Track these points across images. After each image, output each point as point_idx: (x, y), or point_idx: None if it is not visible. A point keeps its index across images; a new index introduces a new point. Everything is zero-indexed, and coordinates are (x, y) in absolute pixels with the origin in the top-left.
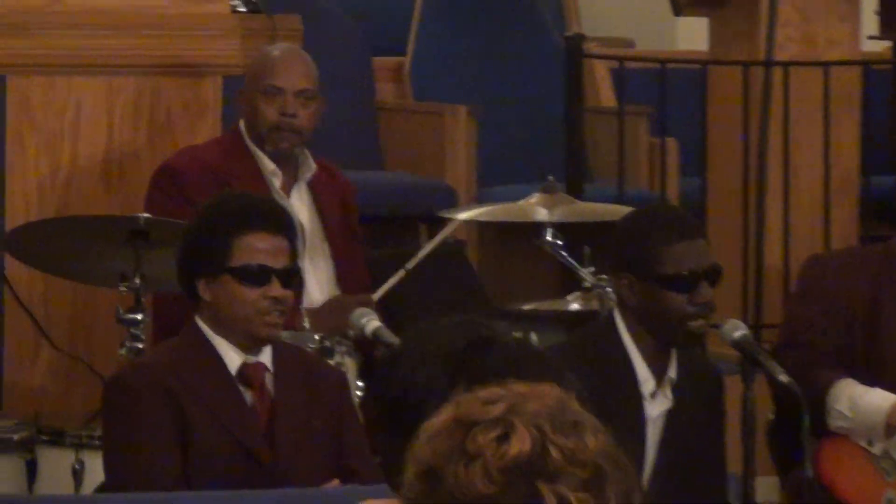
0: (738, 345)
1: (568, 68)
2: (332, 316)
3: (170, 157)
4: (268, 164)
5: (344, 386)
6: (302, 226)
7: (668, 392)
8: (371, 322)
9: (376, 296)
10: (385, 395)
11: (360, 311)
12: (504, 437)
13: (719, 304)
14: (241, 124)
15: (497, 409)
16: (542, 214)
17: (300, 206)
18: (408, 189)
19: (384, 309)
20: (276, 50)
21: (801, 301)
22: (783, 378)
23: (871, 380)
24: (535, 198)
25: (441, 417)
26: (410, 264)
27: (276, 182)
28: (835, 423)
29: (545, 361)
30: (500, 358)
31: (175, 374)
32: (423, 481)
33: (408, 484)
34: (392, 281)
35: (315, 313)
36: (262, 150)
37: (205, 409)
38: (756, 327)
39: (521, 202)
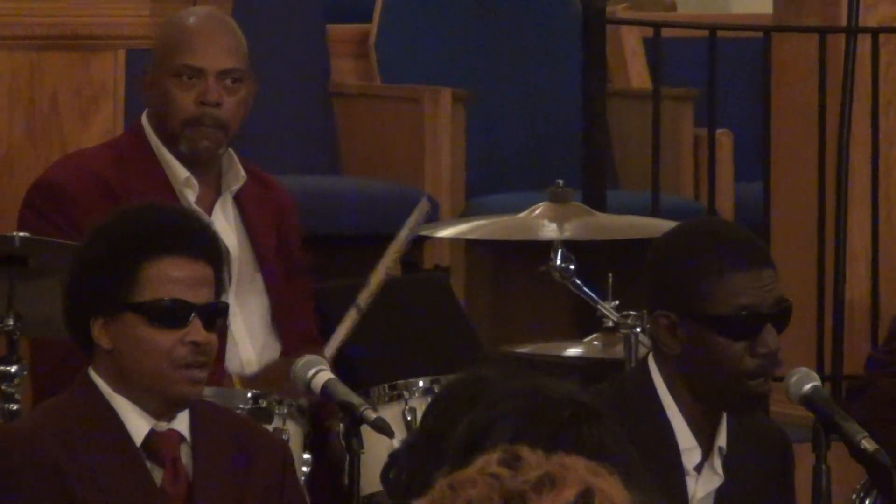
0: (808, 401)
1: (586, 39)
2: (275, 386)
3: (49, 169)
4: (180, 172)
5: (285, 459)
6: (227, 252)
7: (718, 465)
8: (321, 374)
9: (329, 350)
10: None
11: (306, 359)
12: None
13: (786, 349)
14: (144, 118)
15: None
16: (549, 230)
17: (225, 226)
18: (373, 200)
19: (338, 354)
20: (193, 17)
21: None
22: (867, 445)
23: None
24: (540, 209)
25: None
26: (363, 300)
27: (191, 195)
28: None
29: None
30: (599, 435)
31: (62, 446)
32: None
33: None
34: (344, 327)
35: (250, 382)
36: (174, 152)
37: (100, 492)
38: (833, 379)
39: (523, 215)
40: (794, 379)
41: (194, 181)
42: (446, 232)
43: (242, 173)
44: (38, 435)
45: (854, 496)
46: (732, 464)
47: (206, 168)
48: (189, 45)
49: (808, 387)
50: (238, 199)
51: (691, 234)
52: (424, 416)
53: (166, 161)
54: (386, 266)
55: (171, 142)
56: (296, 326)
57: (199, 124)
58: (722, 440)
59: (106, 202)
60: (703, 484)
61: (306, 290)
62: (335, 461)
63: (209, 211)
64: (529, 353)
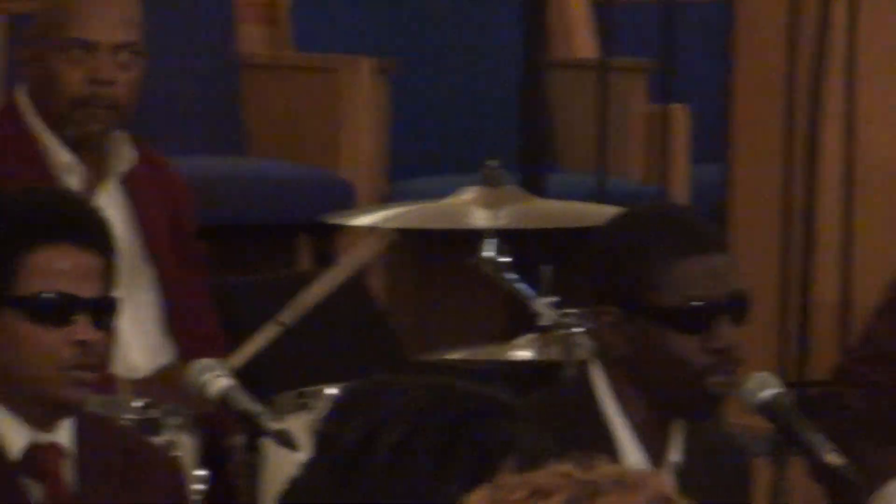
0: (767, 410)
1: (526, 2)
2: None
3: None
4: (61, 156)
5: (176, 475)
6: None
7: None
8: (218, 380)
9: (238, 359)
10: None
11: (203, 363)
12: None
13: (745, 351)
14: (21, 95)
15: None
16: (480, 218)
17: (112, 213)
18: (282, 184)
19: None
20: None
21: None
22: (833, 459)
23: None
24: (470, 194)
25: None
26: (287, 315)
27: (73, 181)
28: None
29: (544, 439)
30: (506, 430)
31: None
32: None
33: None
34: (258, 342)
35: (140, 388)
36: (57, 134)
37: None
38: (798, 385)
39: (450, 200)
40: (751, 385)
41: (77, 165)
42: (364, 220)
43: (131, 154)
44: None
45: None
46: (687, 480)
47: (90, 151)
48: (79, 14)
49: (767, 394)
50: (126, 183)
51: (638, 219)
52: (319, 425)
53: (46, 144)
54: (321, 292)
55: (55, 123)
56: (194, 326)
57: (90, 105)
58: (675, 454)
59: None
60: None
61: (204, 286)
62: (235, 478)
63: (92, 195)
64: (457, 360)
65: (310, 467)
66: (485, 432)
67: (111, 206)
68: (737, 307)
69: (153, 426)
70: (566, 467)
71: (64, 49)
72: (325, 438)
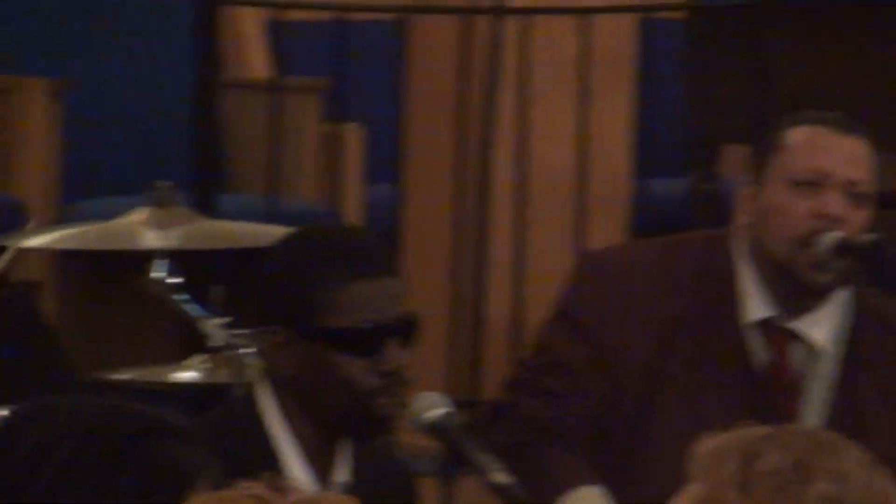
0: (434, 430)
1: (198, 21)
2: None
3: None
4: None
5: None
6: None
7: None
8: None
9: None
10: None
11: None
12: None
13: (417, 373)
14: None
15: None
16: (150, 239)
17: None
18: None
19: None
20: None
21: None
22: (501, 478)
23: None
24: (141, 215)
25: None
26: None
27: None
28: None
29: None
30: (171, 450)
31: None
32: None
33: None
34: None
35: None
36: None
37: None
38: (468, 405)
39: (120, 221)
40: (420, 404)
41: None
42: (35, 242)
43: None
44: None
45: None
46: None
47: None
48: None
49: (435, 414)
50: None
51: (306, 239)
52: None
53: None
54: None
55: None
56: None
57: None
58: (343, 474)
59: None
60: None
61: None
62: None
63: None
64: (127, 380)
65: None
66: (151, 452)
67: None
68: (406, 329)
69: None
70: (259, 488)
71: None
72: None
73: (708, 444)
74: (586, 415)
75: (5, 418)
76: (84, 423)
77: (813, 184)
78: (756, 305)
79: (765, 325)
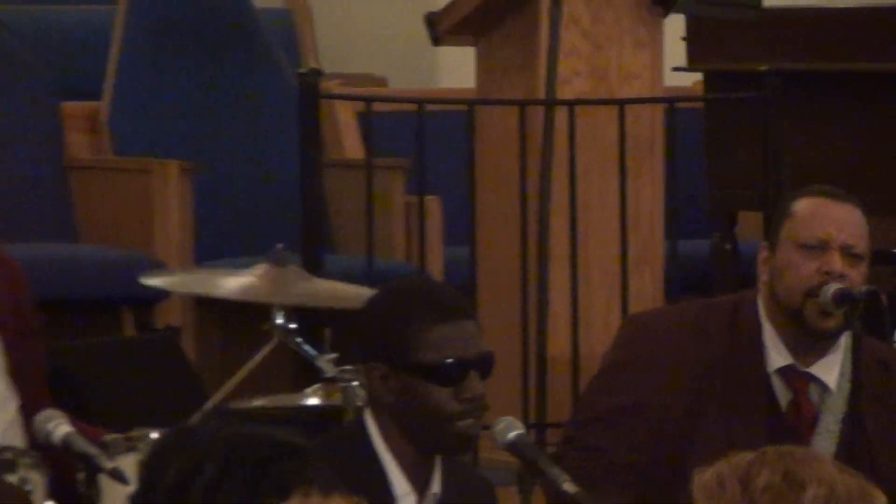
0: (512, 448)
1: (302, 112)
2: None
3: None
4: None
5: None
6: None
7: None
8: (60, 427)
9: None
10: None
11: (46, 413)
12: None
13: (493, 401)
14: None
15: None
16: (269, 294)
17: None
18: (107, 265)
19: (75, 410)
20: None
21: (613, 378)
22: (568, 488)
23: None
24: (259, 271)
25: None
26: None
27: None
28: None
29: (332, 478)
30: (300, 467)
31: None
32: None
33: None
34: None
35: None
36: None
37: None
38: (538, 427)
39: (246, 275)
40: (500, 427)
41: None
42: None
43: None
44: None
45: None
46: None
47: None
48: None
49: (512, 434)
50: None
51: (400, 291)
52: (141, 468)
53: None
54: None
55: None
56: (30, 379)
57: None
58: (437, 485)
59: None
60: None
61: (40, 352)
62: None
63: None
64: (258, 407)
65: (135, 501)
66: (285, 474)
67: None
68: (484, 364)
69: (6, 465)
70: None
71: None
72: (148, 476)
73: (706, 474)
74: (627, 463)
75: (157, 439)
76: (225, 445)
77: (817, 247)
78: (778, 355)
79: (785, 371)
